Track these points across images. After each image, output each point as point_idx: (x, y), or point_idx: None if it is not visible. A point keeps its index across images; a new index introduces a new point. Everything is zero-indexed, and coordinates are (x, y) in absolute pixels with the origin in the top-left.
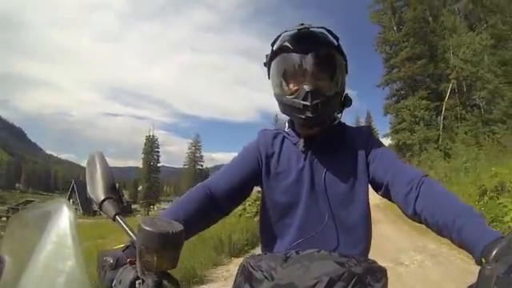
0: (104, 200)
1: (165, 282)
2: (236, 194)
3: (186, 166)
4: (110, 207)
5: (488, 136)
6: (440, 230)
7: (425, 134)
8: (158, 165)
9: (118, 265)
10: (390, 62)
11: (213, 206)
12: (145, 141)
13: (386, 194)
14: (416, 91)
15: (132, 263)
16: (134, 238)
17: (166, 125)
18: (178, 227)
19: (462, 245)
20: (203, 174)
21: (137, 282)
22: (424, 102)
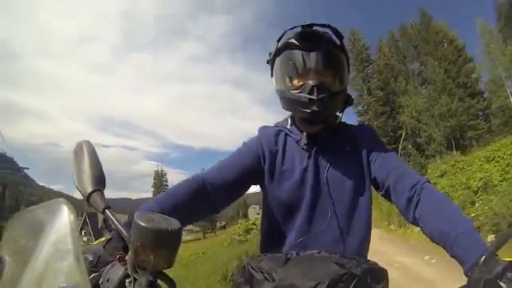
0: (92, 192)
1: (159, 282)
2: (231, 190)
3: None
4: (98, 200)
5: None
6: (436, 240)
7: None
8: None
9: (99, 262)
10: (362, 118)
11: (203, 202)
12: (154, 175)
13: (387, 196)
14: (381, 137)
15: (121, 260)
16: (125, 233)
17: (157, 155)
18: (176, 224)
19: (454, 256)
20: None
21: (127, 281)
22: None
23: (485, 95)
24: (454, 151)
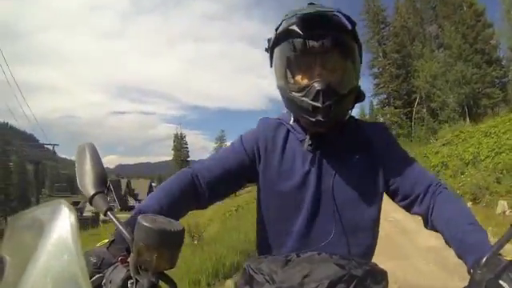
0: (95, 194)
1: (161, 283)
2: (221, 187)
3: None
4: (101, 202)
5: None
6: (448, 243)
7: (397, 131)
8: (188, 159)
9: (103, 264)
10: (377, 80)
11: (193, 195)
12: (173, 138)
13: (403, 204)
14: (395, 99)
15: (123, 261)
16: (128, 235)
17: (174, 118)
18: (178, 226)
19: (460, 257)
20: None
21: (129, 282)
22: (397, 110)
23: (503, 63)
24: (467, 118)
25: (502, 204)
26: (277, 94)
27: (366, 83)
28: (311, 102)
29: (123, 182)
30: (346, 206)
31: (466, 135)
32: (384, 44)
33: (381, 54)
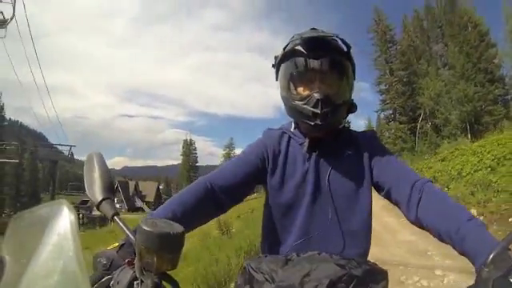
0: (102, 200)
1: (164, 283)
2: (237, 191)
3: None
4: (108, 207)
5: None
6: (442, 238)
7: (401, 145)
8: (197, 164)
9: (112, 266)
10: (384, 96)
11: (212, 202)
12: (183, 144)
13: (388, 197)
14: (401, 115)
15: (130, 264)
16: (133, 238)
17: (183, 123)
18: (179, 228)
19: (463, 254)
20: None
21: (135, 283)
22: (401, 125)
23: (506, 81)
24: (469, 135)
25: (473, 212)
26: (282, 104)
27: (373, 99)
28: (311, 108)
29: (131, 184)
30: (341, 197)
31: (459, 152)
32: (391, 62)
33: (388, 72)
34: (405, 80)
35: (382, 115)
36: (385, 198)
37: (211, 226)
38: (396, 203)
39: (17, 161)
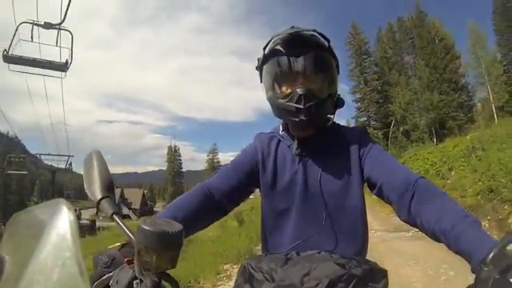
0: (101, 199)
1: (164, 283)
2: (235, 194)
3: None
4: (107, 206)
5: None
6: (436, 236)
7: None
8: (181, 170)
9: (113, 264)
10: (358, 104)
11: (212, 206)
12: (167, 150)
13: (380, 194)
14: (375, 122)
15: (129, 263)
16: (132, 237)
17: (163, 128)
18: (178, 227)
19: (459, 252)
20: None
21: (134, 282)
22: (375, 131)
23: (469, 87)
24: (434, 138)
25: None
26: (263, 106)
27: (348, 107)
28: (295, 104)
29: (117, 192)
30: (332, 196)
31: (414, 157)
32: (365, 73)
33: (362, 82)
34: (378, 89)
35: (357, 123)
36: (377, 195)
37: (228, 218)
38: (388, 201)
39: (25, 172)
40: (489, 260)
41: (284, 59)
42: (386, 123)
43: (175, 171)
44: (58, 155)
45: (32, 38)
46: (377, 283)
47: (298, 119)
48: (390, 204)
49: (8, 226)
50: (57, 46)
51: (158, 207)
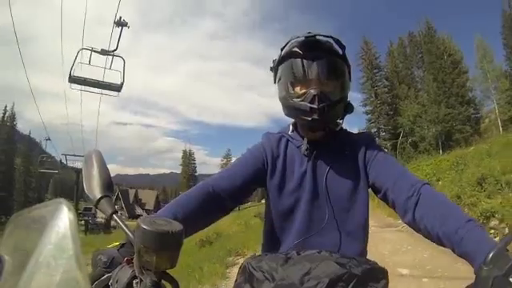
0: (101, 198)
1: (163, 282)
2: (238, 193)
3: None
4: (106, 205)
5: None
6: (440, 240)
7: None
8: (196, 174)
9: (112, 264)
10: (369, 116)
11: (214, 204)
12: (182, 154)
13: (385, 199)
14: (384, 132)
15: (129, 262)
16: (132, 236)
17: (175, 132)
18: (178, 227)
19: (462, 255)
20: None
21: (134, 282)
22: (384, 142)
23: (476, 101)
24: (440, 150)
25: None
26: (275, 112)
27: (360, 119)
28: (308, 104)
29: (131, 192)
30: (338, 199)
31: (416, 168)
32: (376, 86)
33: (373, 95)
34: (388, 102)
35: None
36: (381, 200)
37: (249, 216)
38: (393, 205)
39: (57, 171)
40: (489, 260)
41: (300, 61)
42: (395, 134)
43: (189, 175)
44: (82, 156)
45: (90, 61)
46: (377, 283)
47: (310, 118)
48: (394, 209)
49: (8, 225)
50: (110, 68)
51: None
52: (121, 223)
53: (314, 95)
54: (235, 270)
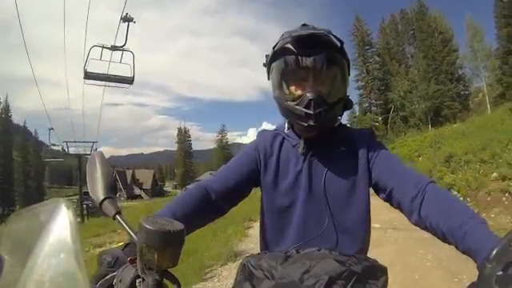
0: (104, 199)
1: (165, 281)
2: (232, 194)
3: (214, 148)
4: (109, 207)
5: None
6: (445, 237)
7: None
8: (191, 150)
9: (116, 263)
10: (361, 91)
11: (209, 206)
12: (177, 132)
13: (389, 199)
14: (375, 107)
15: (132, 262)
16: (135, 236)
17: (167, 109)
18: (179, 226)
19: (465, 251)
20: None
21: (137, 281)
22: (376, 116)
23: (466, 78)
24: (429, 125)
25: None
26: (268, 86)
27: (352, 94)
28: (304, 109)
29: (128, 173)
30: (337, 198)
31: (403, 143)
32: (368, 63)
33: (365, 71)
34: (379, 77)
35: (360, 108)
36: (385, 200)
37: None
38: (398, 206)
39: (62, 159)
40: (492, 256)
41: (294, 59)
42: (386, 109)
43: (185, 151)
44: (84, 142)
45: (101, 57)
46: (377, 280)
47: (306, 124)
48: (400, 209)
49: (7, 225)
50: (120, 62)
51: (168, 187)
52: (123, 224)
53: (310, 100)
54: (251, 232)
